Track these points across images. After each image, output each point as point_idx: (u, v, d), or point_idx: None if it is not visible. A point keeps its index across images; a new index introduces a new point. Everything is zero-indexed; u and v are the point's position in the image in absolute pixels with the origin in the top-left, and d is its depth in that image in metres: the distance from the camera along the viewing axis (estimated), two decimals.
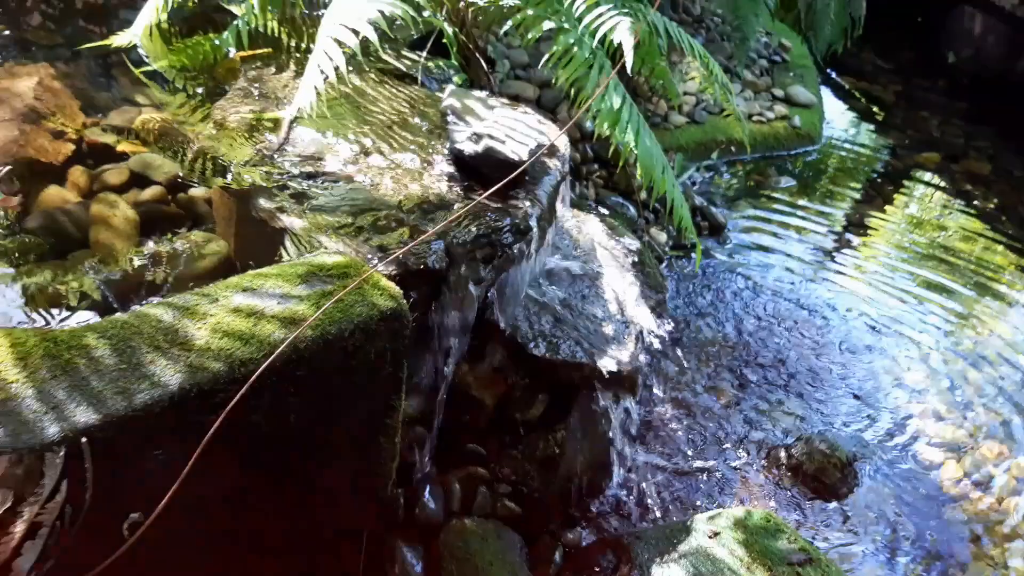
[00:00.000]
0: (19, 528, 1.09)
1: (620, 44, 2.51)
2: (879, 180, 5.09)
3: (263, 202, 1.77)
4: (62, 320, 1.71)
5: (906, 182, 5.13)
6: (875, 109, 5.93)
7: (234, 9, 2.66)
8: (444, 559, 1.85)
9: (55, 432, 1.08)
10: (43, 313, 1.76)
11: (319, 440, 1.49)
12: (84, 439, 1.07)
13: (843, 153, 5.28)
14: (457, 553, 1.86)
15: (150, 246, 1.97)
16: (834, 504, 2.56)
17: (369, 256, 1.64)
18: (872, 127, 5.69)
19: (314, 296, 1.39)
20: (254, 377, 1.10)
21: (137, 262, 1.92)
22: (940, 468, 2.85)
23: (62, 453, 1.06)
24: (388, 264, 1.62)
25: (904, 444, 2.91)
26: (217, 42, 2.46)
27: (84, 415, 1.11)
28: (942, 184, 5.09)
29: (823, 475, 2.58)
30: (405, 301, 1.46)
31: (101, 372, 1.18)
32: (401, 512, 1.86)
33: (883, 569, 2.42)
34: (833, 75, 6.27)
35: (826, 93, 5.69)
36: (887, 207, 4.75)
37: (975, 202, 4.92)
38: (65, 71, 2.63)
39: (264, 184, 1.82)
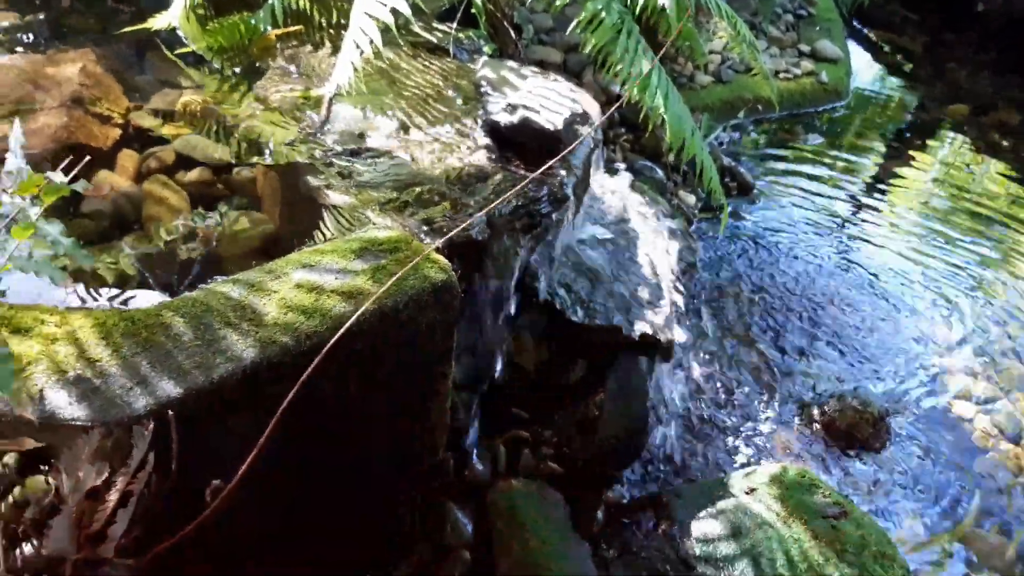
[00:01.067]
0: (112, 497, 1.17)
1: (652, 7, 2.54)
2: (908, 134, 5.05)
3: (310, 180, 1.83)
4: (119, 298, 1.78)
5: (935, 135, 5.09)
6: (902, 61, 5.85)
7: None
8: (493, 517, 1.93)
9: (142, 406, 1.16)
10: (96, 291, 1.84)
11: (376, 408, 1.56)
12: (171, 412, 1.15)
13: (871, 107, 5.23)
14: (504, 512, 1.94)
15: (199, 223, 2.04)
16: (867, 458, 2.62)
17: (415, 230, 1.70)
18: (900, 80, 5.63)
19: (369, 270, 1.45)
20: (325, 349, 1.17)
21: (188, 240, 1.99)
22: (972, 422, 2.89)
23: (151, 426, 1.14)
24: (434, 237, 1.68)
25: (936, 399, 2.95)
26: (253, 21, 2.50)
27: (168, 388, 1.19)
28: (972, 136, 5.04)
29: (856, 430, 2.64)
30: (454, 273, 1.52)
31: (180, 348, 1.25)
32: (452, 474, 1.94)
33: (916, 520, 2.48)
34: (860, 27, 6.18)
35: (852, 46, 5.62)
36: (917, 161, 4.73)
37: (1006, 153, 4.87)
38: (102, 55, 2.69)
39: (310, 162, 1.88)
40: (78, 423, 1.15)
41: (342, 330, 1.18)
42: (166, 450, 1.18)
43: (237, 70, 2.58)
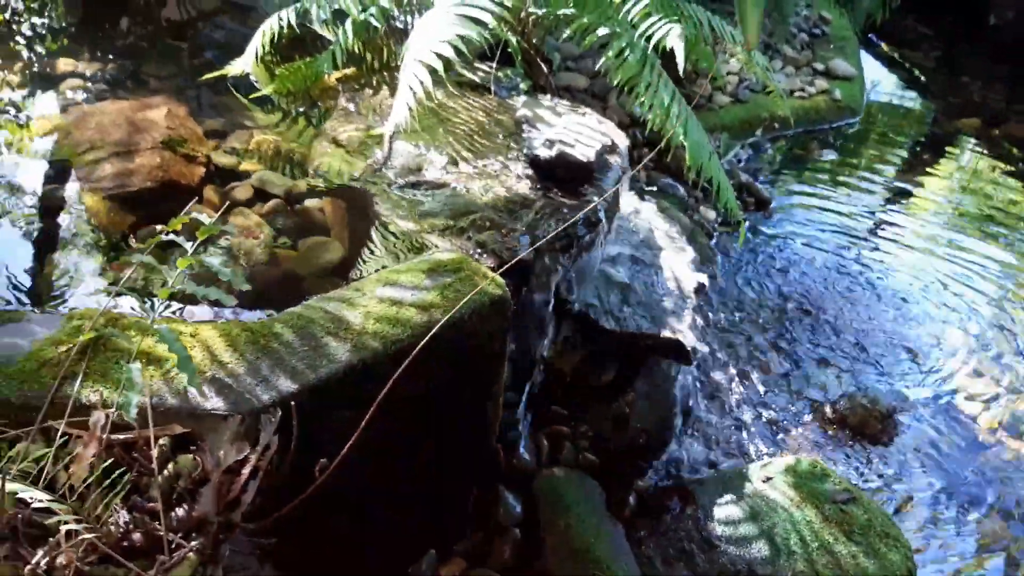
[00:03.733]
0: (245, 472, 1.47)
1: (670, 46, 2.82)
2: (920, 148, 5.27)
3: (379, 208, 2.13)
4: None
5: (948, 148, 5.30)
6: (916, 76, 6.07)
7: (326, 34, 3.02)
8: (538, 501, 2.21)
9: (269, 399, 1.46)
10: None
11: (446, 403, 1.85)
12: (292, 403, 1.44)
13: (884, 122, 5.46)
14: (549, 496, 2.22)
15: (278, 249, 2.35)
16: (876, 452, 2.86)
17: (472, 252, 1.99)
18: (913, 94, 5.84)
19: (438, 287, 1.74)
20: (414, 353, 1.46)
21: (271, 263, 2.30)
22: (977, 419, 3.12)
23: (276, 414, 1.43)
24: (489, 257, 1.97)
25: (943, 398, 3.18)
26: (315, 65, 2.82)
27: (287, 384, 1.49)
28: (984, 149, 5.24)
29: (865, 426, 2.88)
30: (507, 289, 1.81)
31: (291, 352, 1.55)
32: (502, 463, 2.23)
33: (921, 508, 2.72)
34: (874, 42, 6.40)
35: (867, 62, 5.85)
36: (929, 174, 4.95)
37: (1016, 164, 5.07)
38: (181, 99, 3.02)
39: (376, 193, 2.18)
40: (218, 413, 1.44)
41: (427, 337, 1.47)
42: (286, 434, 1.48)
43: (301, 109, 2.90)
